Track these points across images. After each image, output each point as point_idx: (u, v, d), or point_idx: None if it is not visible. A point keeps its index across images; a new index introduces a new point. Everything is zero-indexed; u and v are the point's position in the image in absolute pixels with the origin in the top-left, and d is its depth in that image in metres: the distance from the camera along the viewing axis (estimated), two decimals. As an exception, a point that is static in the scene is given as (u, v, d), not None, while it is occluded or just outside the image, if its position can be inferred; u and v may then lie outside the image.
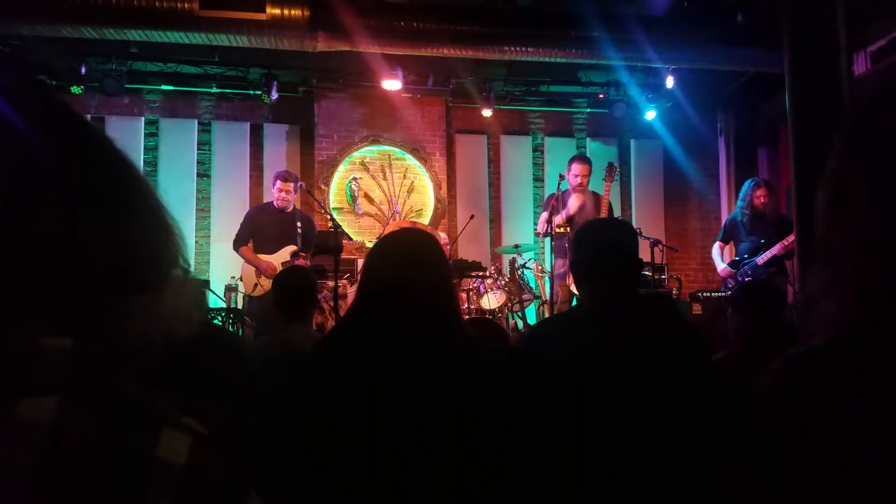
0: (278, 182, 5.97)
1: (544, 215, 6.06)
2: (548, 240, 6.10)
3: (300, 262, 5.70)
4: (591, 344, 1.91)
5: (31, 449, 0.54)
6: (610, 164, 6.19)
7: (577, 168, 6.06)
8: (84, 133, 0.64)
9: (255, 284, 5.86)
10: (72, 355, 0.57)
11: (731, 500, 0.70)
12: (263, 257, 5.89)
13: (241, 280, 6.11)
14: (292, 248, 5.89)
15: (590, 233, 2.21)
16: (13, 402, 0.55)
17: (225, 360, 1.76)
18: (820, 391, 0.63)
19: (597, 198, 6.07)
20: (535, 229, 6.91)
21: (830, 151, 0.68)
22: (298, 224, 5.94)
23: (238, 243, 5.92)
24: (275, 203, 6.01)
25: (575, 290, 5.63)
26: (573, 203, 5.92)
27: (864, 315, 0.63)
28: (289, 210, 6.01)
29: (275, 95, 7.53)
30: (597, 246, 2.08)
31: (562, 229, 5.94)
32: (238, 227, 6.12)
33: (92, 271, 0.59)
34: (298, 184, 6.26)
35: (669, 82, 7.68)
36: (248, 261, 5.91)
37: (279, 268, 5.77)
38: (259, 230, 6.00)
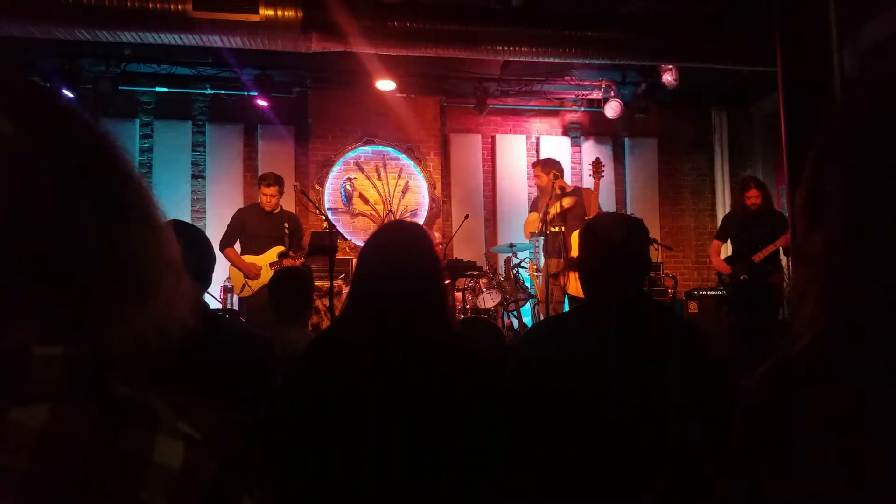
0: (262, 186, 5.97)
1: (535, 215, 6.09)
2: (542, 239, 6.10)
3: (288, 262, 5.70)
4: (591, 344, 1.91)
5: (24, 456, 0.54)
6: (596, 161, 6.21)
7: None
8: (80, 134, 0.63)
9: (243, 286, 5.86)
10: (64, 362, 0.57)
11: (724, 499, 0.70)
12: (250, 258, 5.89)
13: (230, 281, 6.11)
14: (280, 248, 5.89)
15: (595, 230, 2.13)
16: (5, 409, 0.55)
17: (223, 362, 1.76)
18: (798, 400, 0.63)
19: (579, 194, 6.11)
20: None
21: (809, 156, 0.68)
22: (286, 224, 5.93)
23: (223, 244, 5.90)
24: (261, 205, 6.02)
25: (568, 290, 5.65)
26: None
27: (840, 319, 0.63)
28: (276, 211, 6.01)
29: (268, 99, 7.53)
30: (602, 245, 2.04)
31: (556, 229, 5.94)
32: (231, 228, 6.13)
33: (84, 277, 0.59)
34: (293, 185, 6.24)
35: (663, 80, 7.69)
36: (232, 262, 5.90)
37: (264, 268, 5.78)
38: (246, 231, 5.99)
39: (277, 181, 5.98)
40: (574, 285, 5.45)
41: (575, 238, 5.51)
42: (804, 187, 0.68)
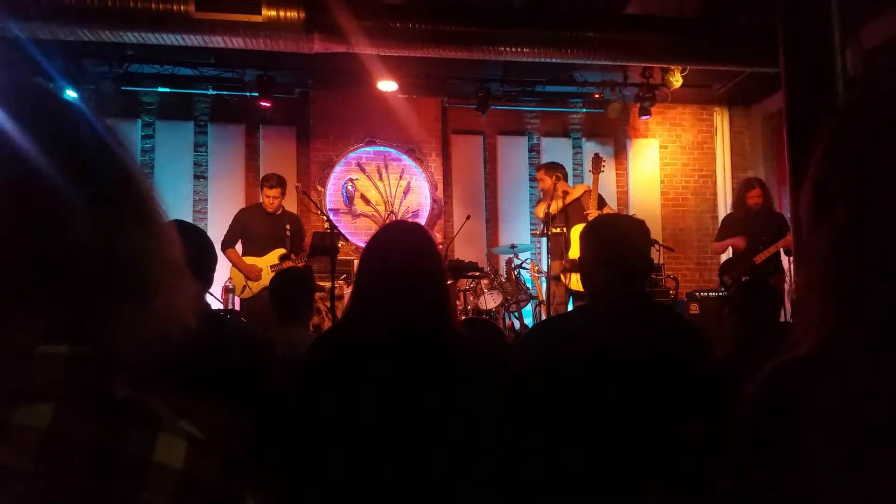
0: (264, 188, 5.96)
1: (542, 204, 6.14)
2: (544, 240, 6.11)
3: (288, 264, 5.70)
4: (592, 345, 1.90)
5: (27, 455, 0.54)
6: (595, 156, 6.22)
7: None
8: (80, 134, 0.63)
9: (244, 287, 5.85)
10: (67, 361, 0.57)
11: (725, 500, 0.70)
12: (252, 259, 5.88)
13: (231, 282, 6.11)
14: (281, 250, 5.88)
15: (598, 231, 2.14)
16: (9, 408, 0.55)
17: (223, 362, 1.76)
18: (802, 402, 0.63)
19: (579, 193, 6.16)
20: (533, 224, 6.89)
21: (814, 154, 0.68)
22: (287, 226, 5.92)
23: (225, 245, 5.89)
24: (263, 206, 6.01)
25: (570, 287, 5.65)
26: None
27: (844, 320, 0.63)
28: (278, 213, 6.00)
29: (270, 99, 7.53)
30: (605, 245, 2.04)
31: (558, 230, 5.95)
32: (233, 228, 6.12)
33: (86, 277, 0.59)
34: (295, 186, 6.23)
35: (665, 81, 7.68)
36: (233, 263, 5.89)
37: (265, 270, 5.77)
38: (247, 232, 5.98)
39: (280, 183, 5.97)
40: (578, 283, 5.46)
41: (574, 235, 5.51)
42: (809, 186, 0.68)
